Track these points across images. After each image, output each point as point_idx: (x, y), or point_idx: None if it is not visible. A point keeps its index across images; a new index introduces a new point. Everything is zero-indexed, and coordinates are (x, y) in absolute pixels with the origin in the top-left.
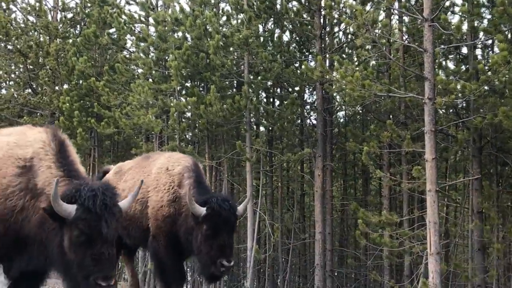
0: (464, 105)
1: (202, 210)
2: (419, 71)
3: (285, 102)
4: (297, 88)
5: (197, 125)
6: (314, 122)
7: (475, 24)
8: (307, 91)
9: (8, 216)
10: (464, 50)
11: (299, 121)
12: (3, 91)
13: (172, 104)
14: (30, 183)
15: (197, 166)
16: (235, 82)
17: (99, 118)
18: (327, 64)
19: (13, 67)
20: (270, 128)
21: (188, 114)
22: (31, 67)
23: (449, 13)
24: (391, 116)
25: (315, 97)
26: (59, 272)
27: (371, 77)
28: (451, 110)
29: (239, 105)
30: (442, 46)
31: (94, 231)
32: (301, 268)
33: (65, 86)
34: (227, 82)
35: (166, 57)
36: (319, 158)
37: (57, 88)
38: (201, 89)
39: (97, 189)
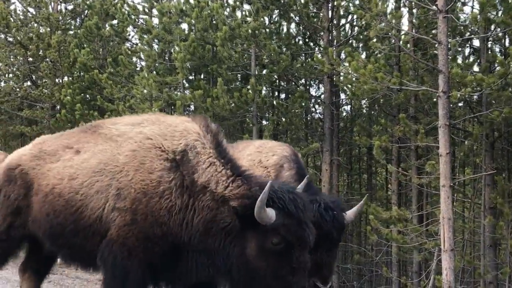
0: (475, 99)
1: None
2: (432, 64)
3: (294, 96)
4: (302, 81)
5: None
6: (319, 115)
7: (489, 16)
8: (313, 84)
9: (166, 219)
10: (476, 43)
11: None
12: (2, 84)
13: (177, 97)
14: (186, 180)
15: (297, 156)
16: (240, 75)
17: (102, 112)
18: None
19: (13, 59)
20: (276, 123)
21: (191, 108)
22: (31, 59)
23: (459, 4)
24: (399, 110)
25: (321, 90)
26: (236, 285)
27: (383, 69)
28: (460, 104)
29: (247, 98)
30: (457, 39)
31: (296, 237)
32: None
33: (66, 79)
34: (230, 74)
35: (171, 49)
36: (327, 152)
37: (57, 80)
38: (205, 82)
39: (291, 191)
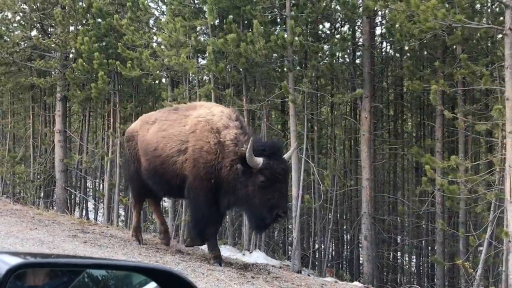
0: None
1: None
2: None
3: (334, 38)
4: (325, 25)
5: (234, 65)
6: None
7: None
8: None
9: None
10: None
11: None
12: (8, 33)
13: (208, 43)
14: None
15: None
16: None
17: (122, 60)
18: None
19: (20, 6)
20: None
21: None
22: (38, 4)
23: None
24: (444, 52)
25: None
26: None
27: (441, 6)
28: None
29: (284, 41)
30: None
31: None
32: (344, 216)
33: (80, 27)
34: (265, 16)
35: None
36: (366, 99)
37: (72, 28)
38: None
39: None
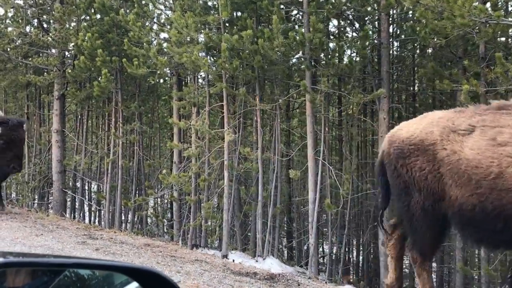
0: None
1: None
2: None
3: (358, 35)
4: (333, 22)
5: (247, 63)
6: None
7: None
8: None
9: None
10: None
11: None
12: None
13: (222, 39)
14: None
15: None
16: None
17: (127, 58)
18: None
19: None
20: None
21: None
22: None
23: None
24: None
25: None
26: None
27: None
28: None
29: (303, 38)
30: None
31: None
32: (359, 222)
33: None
34: (283, 12)
35: None
36: (385, 99)
37: (73, 24)
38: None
39: None
